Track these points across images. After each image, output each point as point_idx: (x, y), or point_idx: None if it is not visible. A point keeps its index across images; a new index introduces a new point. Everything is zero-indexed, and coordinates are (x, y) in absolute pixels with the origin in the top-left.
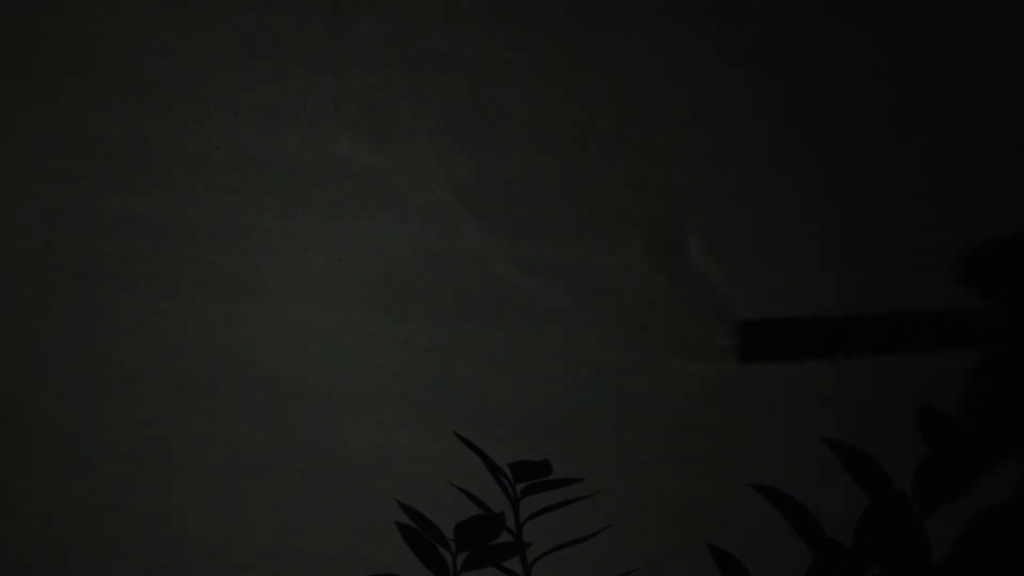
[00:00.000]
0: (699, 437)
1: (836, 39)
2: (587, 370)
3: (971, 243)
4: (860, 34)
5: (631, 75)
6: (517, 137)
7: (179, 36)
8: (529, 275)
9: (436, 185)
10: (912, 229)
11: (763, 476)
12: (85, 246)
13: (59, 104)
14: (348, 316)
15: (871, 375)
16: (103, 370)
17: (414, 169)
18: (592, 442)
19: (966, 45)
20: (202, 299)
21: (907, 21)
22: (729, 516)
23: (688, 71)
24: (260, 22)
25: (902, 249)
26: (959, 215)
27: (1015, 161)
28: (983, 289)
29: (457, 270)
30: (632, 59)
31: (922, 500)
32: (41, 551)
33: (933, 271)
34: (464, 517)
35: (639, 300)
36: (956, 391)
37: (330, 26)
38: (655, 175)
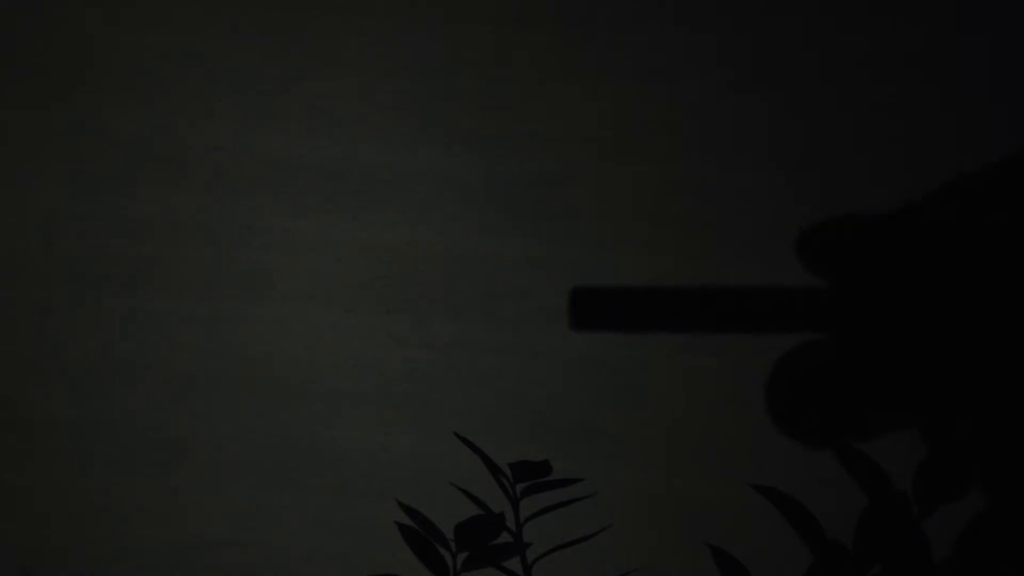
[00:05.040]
0: (699, 437)
1: (836, 39)
2: (587, 370)
3: (809, 223)
4: (860, 34)
5: (631, 75)
6: (517, 137)
7: (179, 36)
8: (529, 275)
9: (436, 185)
10: None
11: (763, 476)
12: (85, 246)
13: (59, 104)
14: (348, 316)
15: None
16: (103, 370)
17: (414, 169)
18: (592, 442)
19: (966, 45)
20: (202, 299)
21: (907, 21)
22: (729, 516)
23: (688, 71)
24: (260, 22)
25: None
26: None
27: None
28: (817, 271)
29: (457, 270)
30: (632, 59)
31: (922, 500)
32: (41, 551)
33: None
34: (464, 517)
35: None
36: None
37: (330, 26)
38: (655, 175)
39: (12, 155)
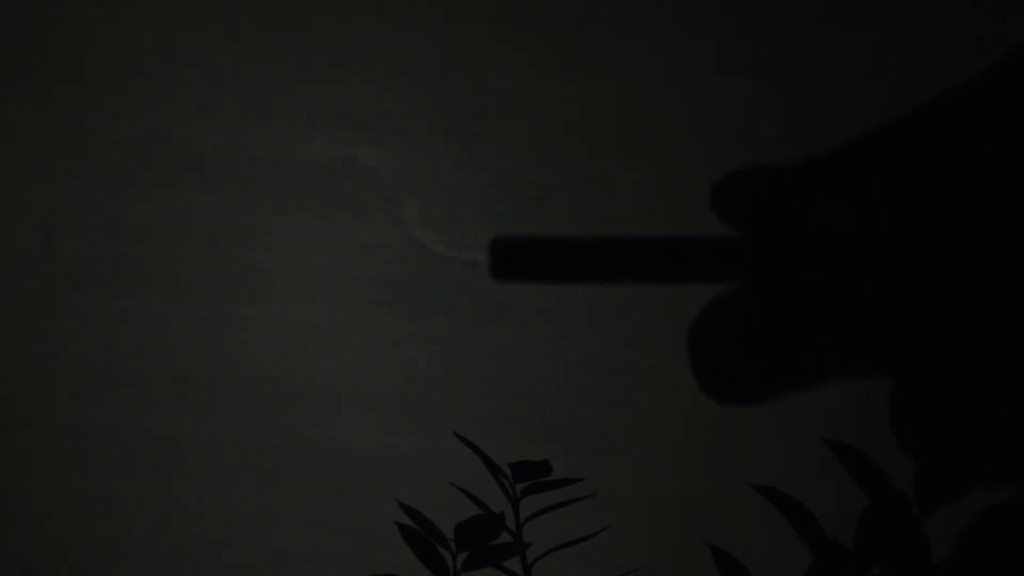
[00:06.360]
0: (699, 437)
1: (837, 40)
2: (587, 370)
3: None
4: (860, 35)
5: (631, 75)
6: (517, 137)
7: (179, 36)
8: None
9: (436, 185)
10: None
11: (763, 476)
12: (85, 246)
13: (59, 104)
14: (348, 316)
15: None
16: (103, 370)
17: (413, 169)
18: (592, 442)
19: (965, 47)
20: (202, 299)
21: (907, 23)
22: (729, 516)
23: (688, 71)
24: (260, 22)
25: None
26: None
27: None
28: (733, 219)
29: (457, 270)
30: (632, 59)
31: (922, 500)
32: (41, 551)
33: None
34: (464, 517)
35: (640, 300)
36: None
37: (330, 26)
38: (655, 175)
39: (12, 155)
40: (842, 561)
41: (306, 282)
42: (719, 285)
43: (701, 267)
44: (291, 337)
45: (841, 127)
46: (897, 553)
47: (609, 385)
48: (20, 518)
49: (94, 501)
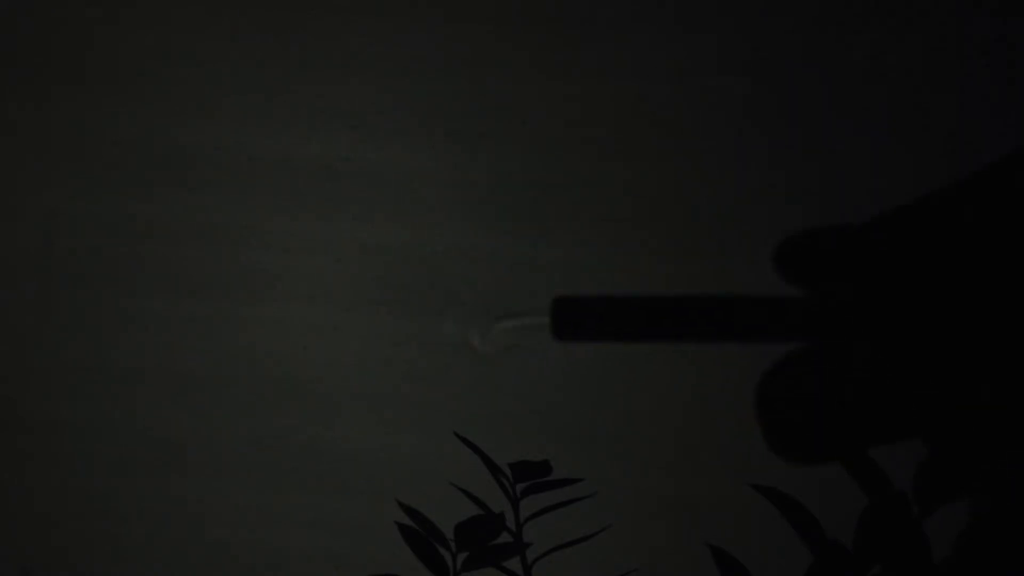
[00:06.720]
0: (699, 437)
1: (837, 40)
2: (587, 370)
3: (793, 233)
4: (860, 35)
5: (631, 75)
6: (517, 137)
7: (179, 36)
8: (529, 275)
9: (436, 185)
10: None
11: (763, 476)
12: (85, 246)
13: (59, 104)
14: (348, 316)
15: None
16: (103, 370)
17: (414, 169)
18: (592, 442)
19: (965, 47)
20: (202, 299)
21: (907, 23)
22: (729, 516)
23: (688, 71)
24: (260, 22)
25: None
26: None
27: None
28: (800, 279)
29: (457, 270)
30: (632, 59)
31: (922, 500)
32: (41, 551)
33: None
34: (464, 517)
35: None
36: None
37: (330, 26)
38: (655, 175)
39: (12, 155)
40: (842, 561)
41: (306, 282)
42: (785, 344)
43: (767, 326)
44: (291, 337)
45: (841, 127)
46: (897, 553)
47: (609, 385)
48: (20, 518)
49: (94, 501)
